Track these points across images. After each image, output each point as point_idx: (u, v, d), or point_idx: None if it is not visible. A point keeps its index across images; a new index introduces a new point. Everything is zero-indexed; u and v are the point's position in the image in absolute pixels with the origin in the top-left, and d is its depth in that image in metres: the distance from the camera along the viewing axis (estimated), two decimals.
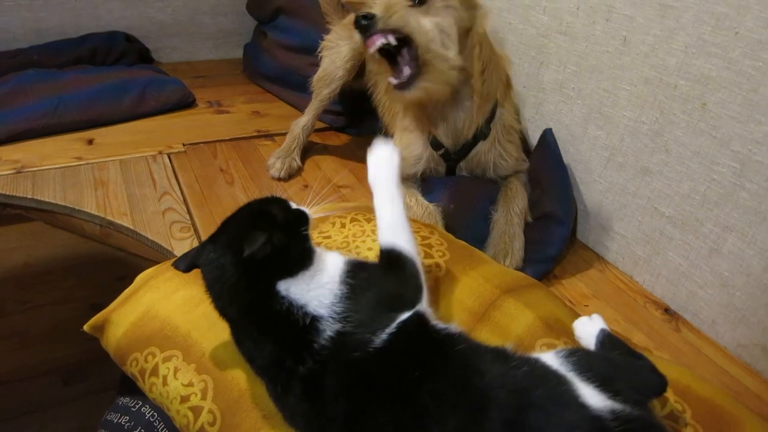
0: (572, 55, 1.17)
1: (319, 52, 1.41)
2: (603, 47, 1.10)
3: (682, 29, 0.96)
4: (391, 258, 0.70)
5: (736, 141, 0.92)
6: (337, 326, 0.62)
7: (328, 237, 0.97)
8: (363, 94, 1.41)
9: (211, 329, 0.79)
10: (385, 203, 0.73)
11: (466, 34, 1.06)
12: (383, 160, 0.76)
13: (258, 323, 0.65)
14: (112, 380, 1.02)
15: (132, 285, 0.90)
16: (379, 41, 0.98)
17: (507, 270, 0.96)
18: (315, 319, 0.63)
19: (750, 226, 0.93)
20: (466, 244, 1.00)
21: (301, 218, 0.70)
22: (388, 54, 1.03)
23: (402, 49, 1.01)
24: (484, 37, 1.08)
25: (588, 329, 0.80)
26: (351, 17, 1.41)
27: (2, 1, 1.60)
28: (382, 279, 0.69)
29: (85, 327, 0.88)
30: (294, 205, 0.72)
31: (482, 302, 0.87)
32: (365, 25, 0.98)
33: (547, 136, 1.22)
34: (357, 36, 1.02)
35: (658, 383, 0.69)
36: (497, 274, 0.92)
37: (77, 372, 1.53)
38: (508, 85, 1.21)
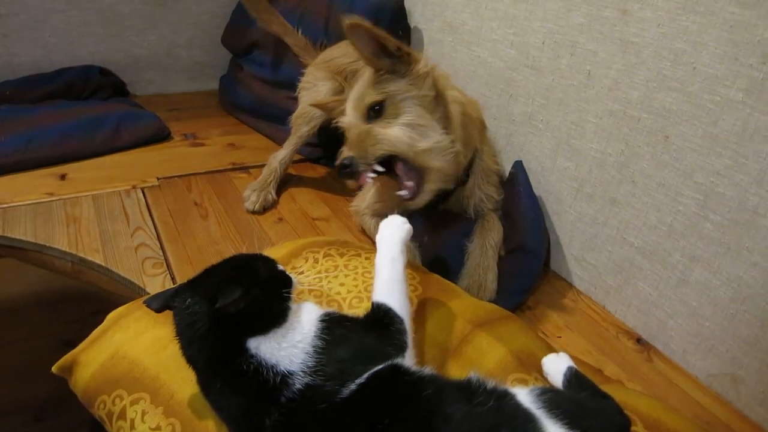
0: (540, 88, 1.20)
1: (298, 92, 1.42)
2: (569, 81, 1.13)
3: (642, 64, 0.99)
4: (380, 314, 0.72)
5: (698, 173, 0.94)
6: (307, 379, 0.62)
7: (301, 273, 0.97)
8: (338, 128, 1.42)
9: (179, 371, 0.78)
10: (386, 262, 0.77)
11: (435, 101, 1.05)
12: (395, 225, 0.80)
13: (225, 377, 0.64)
14: (84, 418, 1.00)
15: (102, 324, 0.90)
16: (368, 177, 0.99)
17: (480, 303, 0.97)
18: (285, 375, 0.62)
19: (715, 256, 0.95)
20: (439, 277, 1.00)
21: (285, 281, 0.70)
22: (385, 172, 1.02)
23: (395, 163, 1.01)
24: (451, 93, 1.08)
25: (556, 366, 0.82)
26: (324, 55, 1.44)
27: None
28: (362, 334, 0.70)
29: (54, 368, 0.87)
30: (281, 268, 0.72)
31: (454, 337, 0.88)
32: (350, 171, 0.99)
33: (517, 169, 1.24)
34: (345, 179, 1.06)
35: (622, 423, 0.71)
36: (469, 307, 0.93)
37: (49, 409, 1.49)
38: (482, 126, 1.22)
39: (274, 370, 0.62)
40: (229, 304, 0.61)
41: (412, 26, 1.57)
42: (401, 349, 0.70)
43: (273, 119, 1.65)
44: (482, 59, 1.34)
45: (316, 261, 1.00)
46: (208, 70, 1.95)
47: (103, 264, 1.12)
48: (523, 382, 0.82)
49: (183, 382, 0.77)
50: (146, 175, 1.42)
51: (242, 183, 1.42)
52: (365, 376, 0.62)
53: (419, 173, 1.01)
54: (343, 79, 1.36)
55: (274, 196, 1.36)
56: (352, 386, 0.62)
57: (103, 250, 1.15)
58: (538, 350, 0.90)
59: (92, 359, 0.84)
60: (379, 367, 0.64)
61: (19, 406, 1.46)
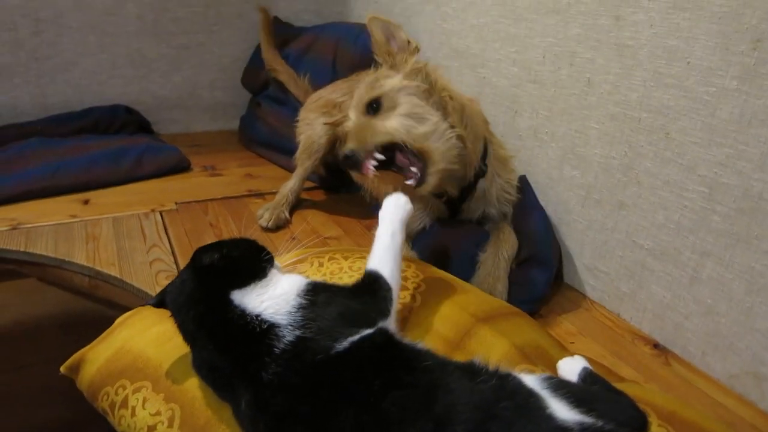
0: (543, 101, 1.22)
1: (300, 133, 1.48)
2: (570, 90, 1.15)
3: (639, 65, 1.01)
4: (369, 280, 0.74)
5: (701, 166, 0.94)
6: (297, 332, 0.64)
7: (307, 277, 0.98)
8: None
9: (182, 360, 0.79)
10: (385, 234, 0.79)
11: (428, 92, 1.09)
12: (397, 202, 0.83)
13: (216, 334, 0.66)
14: None
15: (110, 327, 0.91)
16: (371, 165, 1.03)
17: (486, 298, 0.96)
18: (273, 326, 0.64)
19: (726, 249, 0.93)
20: (446, 274, 1.00)
21: (266, 253, 0.73)
22: (388, 165, 1.05)
23: (396, 153, 1.04)
24: (446, 85, 1.12)
25: (570, 367, 0.80)
26: (312, 98, 1.51)
27: (12, 78, 1.70)
28: (348, 297, 0.71)
29: (62, 368, 0.89)
30: (262, 246, 0.75)
31: (458, 331, 0.87)
32: (352, 161, 1.03)
33: (523, 183, 1.25)
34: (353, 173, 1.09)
35: (637, 419, 0.69)
36: (474, 302, 0.92)
37: None
38: (485, 121, 1.24)
39: (259, 319, 0.64)
40: (207, 258, 0.66)
41: (420, 56, 1.63)
42: (384, 315, 0.70)
43: (288, 152, 1.70)
44: (487, 80, 1.38)
45: (321, 265, 1.01)
46: (229, 110, 2.03)
47: (118, 276, 1.14)
48: (530, 373, 0.80)
49: (186, 370, 0.78)
50: (165, 200, 1.47)
51: (257, 207, 1.45)
52: (357, 336, 0.63)
53: (421, 158, 1.03)
54: (332, 108, 1.43)
55: (287, 215, 1.39)
56: (345, 343, 0.63)
57: (119, 264, 1.18)
58: (548, 347, 0.89)
59: (98, 355, 0.86)
60: (369, 330, 0.65)
61: (37, 429, 1.46)
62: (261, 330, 0.63)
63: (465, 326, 0.87)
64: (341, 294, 0.72)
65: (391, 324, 0.71)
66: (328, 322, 0.65)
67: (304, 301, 0.67)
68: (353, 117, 1.08)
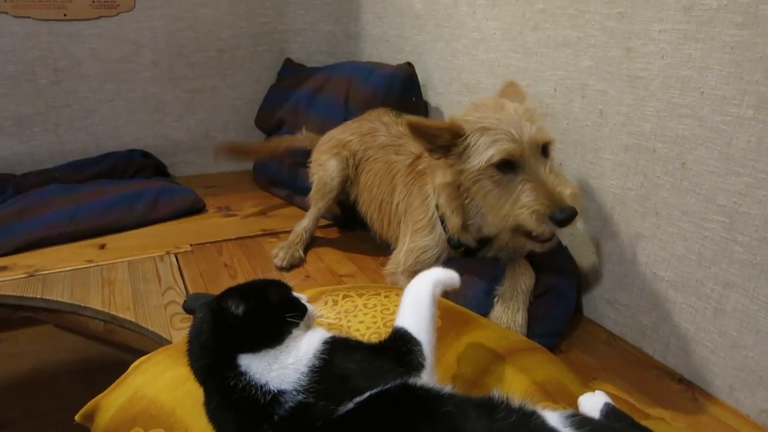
0: (556, 133, 1.21)
1: (312, 174, 1.49)
2: (582, 122, 1.15)
3: (652, 96, 1.01)
4: (395, 336, 0.71)
5: (720, 195, 0.93)
6: (300, 397, 0.62)
7: (320, 315, 0.97)
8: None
9: (195, 405, 0.77)
10: (413, 286, 0.76)
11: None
12: (433, 271, 0.79)
13: (220, 392, 0.64)
14: None
15: (125, 373, 0.90)
16: None
17: (504, 333, 0.94)
18: (277, 394, 0.62)
19: (749, 280, 0.91)
20: (464, 309, 0.98)
21: (295, 307, 0.71)
22: None
23: None
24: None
25: (592, 403, 0.77)
26: (323, 140, 1.52)
27: (32, 127, 1.74)
28: (368, 353, 0.69)
29: (77, 417, 0.88)
30: (296, 295, 0.74)
31: (475, 368, 0.85)
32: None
33: None
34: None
35: None
36: (493, 337, 0.91)
37: None
38: None
39: (264, 389, 0.62)
40: (230, 305, 0.63)
41: (432, 93, 1.65)
42: (416, 369, 0.68)
43: (303, 191, 1.71)
44: None
45: (335, 302, 1.00)
46: None
47: (133, 320, 1.14)
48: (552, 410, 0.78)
49: (198, 416, 0.76)
50: (180, 242, 1.47)
51: (272, 246, 1.45)
52: (366, 394, 0.61)
53: None
54: (342, 148, 1.43)
55: (302, 254, 1.39)
56: (350, 405, 0.60)
57: (134, 307, 1.18)
58: (569, 383, 0.86)
59: (112, 403, 0.85)
60: (388, 385, 0.63)
61: None
62: (264, 400, 0.61)
63: (483, 363, 0.86)
64: (361, 349, 0.70)
65: (427, 377, 0.69)
66: (338, 384, 0.63)
67: (317, 363, 0.65)
68: None
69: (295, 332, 0.68)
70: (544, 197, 0.96)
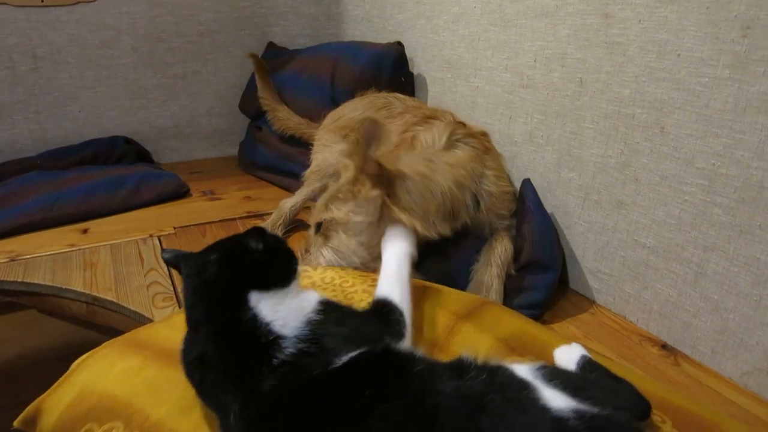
0: (537, 104, 1.21)
1: (315, 152, 1.47)
2: (563, 92, 1.15)
3: (630, 61, 1.00)
4: (379, 306, 0.74)
5: (699, 158, 0.93)
6: (301, 345, 0.62)
7: (309, 277, 0.96)
8: None
9: (153, 392, 0.75)
10: (391, 259, 0.82)
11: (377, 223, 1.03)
12: (402, 232, 0.86)
13: (221, 329, 0.64)
14: None
15: (66, 372, 0.84)
16: None
17: (460, 294, 0.95)
18: (278, 337, 0.62)
19: (729, 241, 0.91)
20: (424, 281, 0.98)
21: (291, 255, 0.72)
22: None
23: None
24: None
25: (568, 356, 0.77)
26: (332, 116, 1.49)
27: (12, 115, 1.72)
28: (358, 320, 0.71)
29: (16, 423, 0.81)
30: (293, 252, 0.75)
31: (440, 331, 0.86)
32: None
33: (526, 187, 1.23)
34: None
35: (640, 406, 0.66)
36: (451, 300, 0.91)
37: None
38: (485, 150, 1.17)
39: (267, 329, 0.62)
40: (250, 249, 0.65)
41: (414, 71, 1.64)
42: (399, 336, 0.71)
43: (290, 174, 1.69)
44: (480, 88, 1.38)
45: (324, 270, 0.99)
46: (228, 137, 2.03)
47: (115, 300, 1.13)
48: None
49: (159, 402, 0.74)
50: (163, 225, 1.46)
51: None
52: (357, 351, 0.62)
53: None
54: (351, 132, 1.39)
55: (281, 235, 1.37)
56: (345, 358, 0.61)
57: (116, 289, 1.17)
58: (535, 329, 0.87)
59: (57, 403, 0.79)
60: (372, 347, 0.64)
61: None
62: (266, 340, 0.61)
63: (447, 325, 0.86)
64: (352, 315, 0.71)
65: (405, 344, 0.71)
66: (335, 340, 0.64)
67: (315, 317, 0.65)
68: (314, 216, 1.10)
69: (295, 282, 0.70)
70: None
